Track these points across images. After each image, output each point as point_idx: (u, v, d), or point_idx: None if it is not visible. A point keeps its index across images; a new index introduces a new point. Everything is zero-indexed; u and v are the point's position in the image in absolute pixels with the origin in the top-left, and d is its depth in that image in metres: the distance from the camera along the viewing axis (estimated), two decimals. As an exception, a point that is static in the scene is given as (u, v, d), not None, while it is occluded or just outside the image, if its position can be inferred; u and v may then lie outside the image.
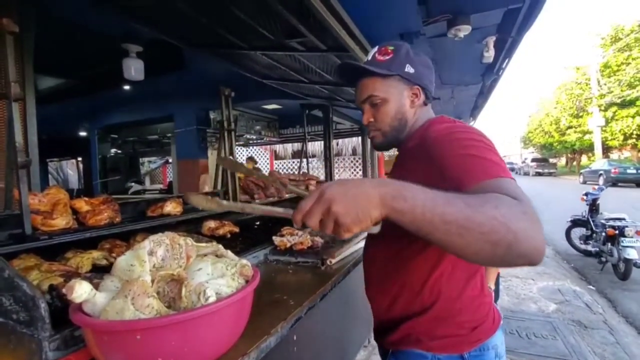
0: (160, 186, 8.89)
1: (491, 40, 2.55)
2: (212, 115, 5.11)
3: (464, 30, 2.14)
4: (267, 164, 12.34)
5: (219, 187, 2.31)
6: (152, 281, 0.73)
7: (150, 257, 0.75)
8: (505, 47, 2.81)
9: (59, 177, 7.74)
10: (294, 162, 11.98)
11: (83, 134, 6.00)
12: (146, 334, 0.62)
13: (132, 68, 2.74)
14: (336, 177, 5.05)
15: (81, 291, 0.63)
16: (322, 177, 4.33)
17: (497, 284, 1.87)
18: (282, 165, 12.20)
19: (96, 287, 0.72)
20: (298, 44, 1.99)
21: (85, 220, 1.29)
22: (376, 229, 0.60)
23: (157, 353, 0.64)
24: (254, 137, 6.83)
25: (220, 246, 0.93)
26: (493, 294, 1.83)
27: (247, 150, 11.09)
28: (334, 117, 5.00)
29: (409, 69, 0.92)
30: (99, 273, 1.13)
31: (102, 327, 0.63)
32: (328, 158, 4.90)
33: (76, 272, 1.11)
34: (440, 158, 0.75)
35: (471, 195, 0.60)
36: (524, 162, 31.36)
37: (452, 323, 0.86)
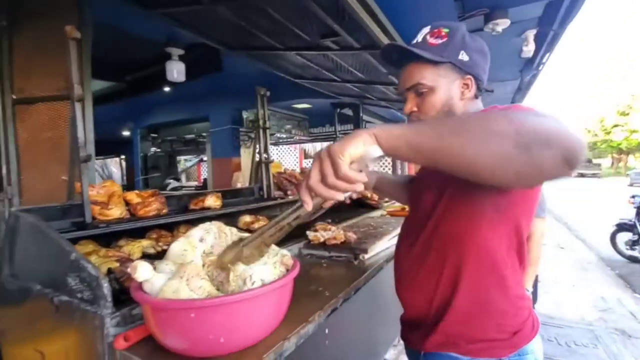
0: (195, 183, 9.26)
1: (531, 34, 2.45)
2: (244, 114, 5.27)
3: (502, 25, 2.08)
4: (297, 162, 12.48)
5: (252, 183, 2.39)
6: (203, 265, 0.78)
7: (200, 243, 0.81)
8: (546, 41, 2.68)
9: (104, 174, 8.28)
10: (322, 161, 12.01)
11: (126, 133, 6.38)
12: (200, 313, 0.67)
13: (175, 70, 2.89)
14: (365, 176, 5.06)
15: (143, 271, 0.69)
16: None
17: (534, 287, 1.81)
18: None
19: (151, 270, 0.79)
20: (332, 43, 2.02)
21: (135, 212, 1.39)
22: (376, 151, 0.54)
23: (209, 330, 0.69)
24: (284, 136, 6.95)
25: (261, 237, 0.98)
26: (531, 297, 1.77)
27: (277, 149, 11.28)
28: (364, 115, 5.00)
29: (463, 56, 0.82)
30: (148, 260, 1.22)
31: (161, 304, 0.69)
32: (358, 157, 4.89)
33: (129, 258, 1.21)
34: None
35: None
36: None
37: (491, 326, 0.81)
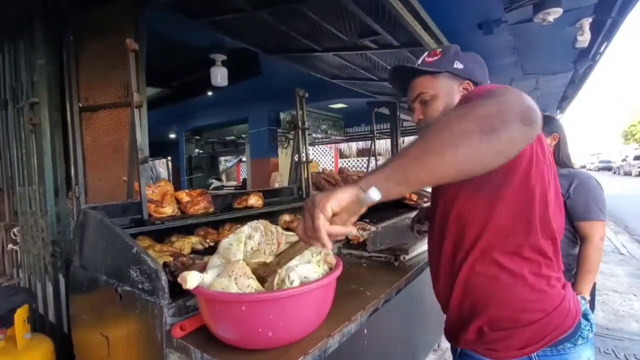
0: (235, 183, 9.60)
1: (586, 23, 2.27)
2: (282, 115, 5.39)
3: (553, 14, 1.94)
4: (332, 162, 12.52)
5: (291, 183, 2.44)
6: (247, 262, 0.82)
7: (248, 240, 0.85)
8: (604, 30, 2.47)
9: (152, 175, 8.84)
10: (358, 161, 11.98)
11: (172, 136, 6.77)
12: (250, 306, 0.71)
13: (218, 75, 3.03)
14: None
15: (193, 279, 0.74)
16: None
17: (592, 295, 1.68)
18: (347, 164, 12.27)
19: (201, 268, 0.84)
20: (371, 42, 2.01)
21: (185, 210, 1.48)
22: (374, 195, 0.55)
23: (258, 324, 0.72)
24: (320, 136, 7.01)
25: (304, 235, 1.01)
26: (588, 305, 1.65)
27: (313, 149, 11.40)
28: (401, 113, 4.90)
29: (457, 65, 0.94)
30: (197, 255, 1.30)
31: (215, 296, 0.74)
32: (395, 156, 4.82)
33: (181, 253, 1.29)
34: None
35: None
36: (624, 160, 27.04)
37: (522, 326, 0.77)
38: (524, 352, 0.77)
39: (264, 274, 0.83)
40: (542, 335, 0.76)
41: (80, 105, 1.80)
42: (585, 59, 3.17)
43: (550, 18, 1.99)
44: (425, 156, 0.55)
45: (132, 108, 1.27)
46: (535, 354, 0.77)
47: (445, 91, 0.94)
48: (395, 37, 1.89)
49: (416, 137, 0.60)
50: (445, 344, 2.72)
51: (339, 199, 0.57)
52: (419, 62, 1.00)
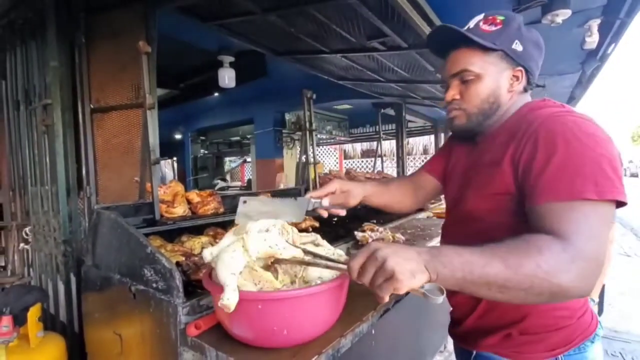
0: (239, 183, 9.64)
1: (595, 24, 2.25)
2: (287, 116, 5.41)
3: (562, 15, 1.93)
4: (337, 163, 12.52)
5: (297, 184, 2.45)
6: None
7: (266, 233, 0.85)
8: (612, 31, 2.46)
9: (160, 175, 8.88)
10: (363, 162, 11.98)
11: (178, 137, 6.81)
12: (266, 305, 0.72)
13: (226, 77, 3.06)
14: (408, 176, 5.00)
15: (232, 298, 0.70)
16: (395, 176, 4.28)
17: (600, 297, 1.68)
18: (351, 165, 12.28)
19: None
20: (379, 44, 2.02)
21: (196, 210, 1.49)
22: (439, 299, 0.56)
23: (274, 322, 0.74)
24: (325, 136, 7.02)
25: (318, 236, 1.02)
26: (597, 307, 1.64)
27: (317, 150, 11.39)
28: (406, 114, 4.90)
29: (517, 45, 0.77)
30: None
31: (231, 296, 0.75)
32: (400, 157, 4.82)
33: (192, 253, 1.31)
34: (530, 156, 0.68)
35: (512, 247, 0.59)
36: (631, 161, 26.82)
37: (553, 331, 0.78)
38: (552, 354, 0.77)
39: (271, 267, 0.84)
40: (571, 339, 0.78)
41: (92, 106, 1.82)
42: (593, 60, 3.15)
43: (559, 19, 1.98)
44: (493, 292, 0.58)
45: (144, 110, 1.29)
46: (562, 355, 0.77)
47: (494, 74, 0.79)
48: (404, 39, 1.90)
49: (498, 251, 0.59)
50: (452, 346, 2.71)
51: (416, 283, 0.56)
52: (471, 26, 0.81)
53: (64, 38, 1.73)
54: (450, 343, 2.75)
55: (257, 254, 0.79)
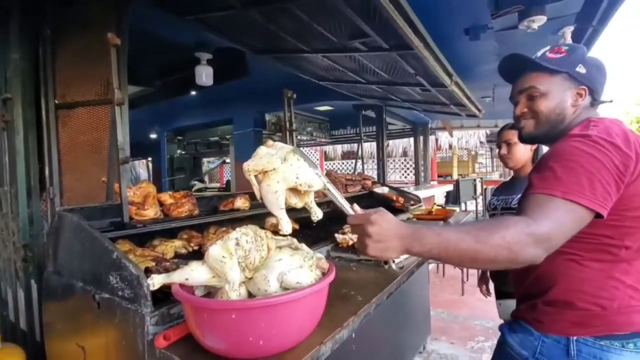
0: (218, 185, 9.44)
1: (568, 31, 2.34)
2: (267, 117, 5.34)
3: (538, 22, 1.99)
4: (317, 164, 12.50)
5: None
6: (242, 269, 0.79)
7: (237, 247, 0.81)
8: (584, 38, 2.56)
9: (131, 176, 8.59)
10: (343, 163, 12.02)
11: (153, 136, 6.59)
12: (240, 314, 0.67)
13: (203, 74, 2.96)
14: (388, 178, 4.99)
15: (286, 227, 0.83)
16: (375, 178, 4.29)
17: None
18: (332, 166, 12.30)
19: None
20: (361, 44, 2.00)
21: (169, 212, 1.42)
22: (396, 268, 0.79)
23: (249, 332, 0.69)
24: (306, 138, 6.99)
25: (295, 240, 0.98)
26: None
27: (298, 152, 11.32)
28: (387, 117, 4.94)
29: (580, 68, 0.90)
30: (181, 259, 1.24)
31: (202, 304, 0.70)
32: (381, 159, 4.85)
33: (163, 257, 1.24)
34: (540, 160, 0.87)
35: (486, 224, 0.75)
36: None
37: (572, 310, 0.85)
38: (567, 332, 0.85)
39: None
40: (590, 325, 0.83)
41: (57, 102, 1.71)
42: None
43: (535, 25, 2.04)
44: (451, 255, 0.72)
45: (113, 105, 1.21)
46: (575, 337, 0.83)
47: (559, 92, 0.91)
48: (385, 40, 1.89)
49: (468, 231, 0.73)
50: (431, 347, 2.73)
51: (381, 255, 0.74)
52: (539, 54, 0.95)
53: (28, 29, 1.63)
54: (429, 344, 2.78)
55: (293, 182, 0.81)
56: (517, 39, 2.52)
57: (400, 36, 1.66)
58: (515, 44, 2.68)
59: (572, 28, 2.32)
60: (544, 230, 0.70)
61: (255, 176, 0.83)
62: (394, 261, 1.49)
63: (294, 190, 0.84)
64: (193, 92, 4.32)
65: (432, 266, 4.36)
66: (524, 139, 1.02)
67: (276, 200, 0.81)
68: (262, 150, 0.85)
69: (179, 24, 2.03)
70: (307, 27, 1.81)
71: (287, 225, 0.84)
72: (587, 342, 0.82)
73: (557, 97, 0.91)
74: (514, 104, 0.99)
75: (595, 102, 0.94)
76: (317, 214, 0.90)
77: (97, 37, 1.62)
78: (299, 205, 0.87)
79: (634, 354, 0.81)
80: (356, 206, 0.81)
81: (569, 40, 2.39)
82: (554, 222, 0.71)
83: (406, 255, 1.55)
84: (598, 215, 0.74)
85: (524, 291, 0.97)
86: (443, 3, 1.87)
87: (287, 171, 0.81)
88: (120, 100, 1.22)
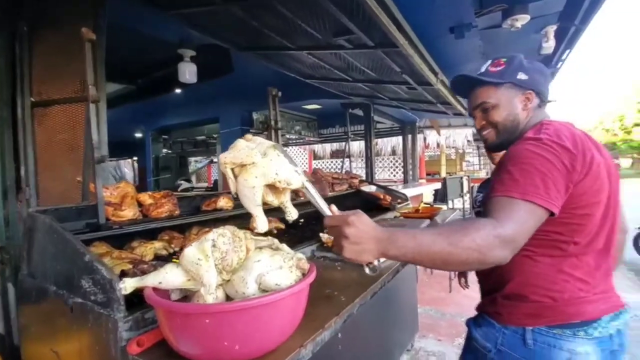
0: (206, 184, 9.33)
1: (551, 30, 2.37)
2: (254, 115, 5.28)
3: (521, 20, 2.01)
4: (306, 163, 12.48)
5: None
6: (219, 272, 0.76)
7: (213, 249, 0.79)
8: (567, 37, 2.60)
9: (117, 175, 8.41)
10: (332, 162, 12.01)
11: (138, 135, 6.46)
12: (215, 318, 0.65)
13: (187, 72, 2.91)
14: (376, 176, 5.00)
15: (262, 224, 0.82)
16: (363, 177, 4.30)
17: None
18: (321, 165, 12.28)
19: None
20: (345, 42, 1.99)
21: (148, 213, 1.38)
22: (370, 272, 0.79)
23: (224, 337, 0.67)
24: (294, 137, 6.95)
25: (276, 240, 0.96)
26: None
27: (287, 150, 11.28)
28: (375, 115, 4.95)
29: (521, 75, 0.98)
30: (160, 262, 1.21)
31: (175, 309, 0.68)
32: (369, 157, 4.85)
33: (142, 260, 1.20)
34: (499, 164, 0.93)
35: (457, 226, 0.77)
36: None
37: (526, 302, 0.92)
38: (523, 323, 0.91)
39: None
40: (543, 316, 0.90)
41: (33, 100, 1.65)
42: (549, 65, 3.32)
43: (518, 24, 2.06)
44: (423, 257, 0.74)
45: (87, 103, 1.17)
46: (531, 327, 0.90)
47: (507, 101, 0.99)
48: (370, 37, 1.88)
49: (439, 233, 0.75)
50: (418, 344, 2.74)
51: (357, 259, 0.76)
52: (482, 70, 1.04)
53: (4, 25, 1.56)
54: (416, 341, 2.79)
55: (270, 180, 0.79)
56: (501, 38, 2.54)
57: (385, 33, 1.65)
58: (500, 43, 2.70)
59: (554, 27, 2.35)
60: (509, 232, 0.73)
61: (232, 170, 0.80)
62: (368, 265, 1.48)
63: (272, 188, 0.82)
64: (178, 90, 4.25)
65: (420, 264, 4.38)
66: (490, 148, 1.10)
67: (253, 196, 0.78)
68: (240, 143, 0.83)
69: (160, 20, 1.99)
70: (290, 24, 1.79)
71: (262, 223, 0.81)
72: (542, 332, 0.89)
73: (507, 105, 0.99)
74: (473, 118, 1.08)
75: (542, 102, 1.02)
76: (292, 214, 0.89)
77: (74, 33, 1.56)
78: (275, 203, 0.85)
79: (585, 340, 0.87)
80: (334, 207, 0.81)
81: (552, 40, 2.42)
82: (517, 223, 0.75)
83: (383, 259, 1.56)
84: (551, 214, 0.79)
85: (486, 286, 1.04)
86: (427, 1, 1.86)
87: (267, 166, 0.78)
88: (95, 97, 1.18)
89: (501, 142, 1.03)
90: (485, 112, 1.02)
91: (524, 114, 1.00)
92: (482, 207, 0.87)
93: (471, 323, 1.08)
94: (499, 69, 1.00)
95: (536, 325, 0.90)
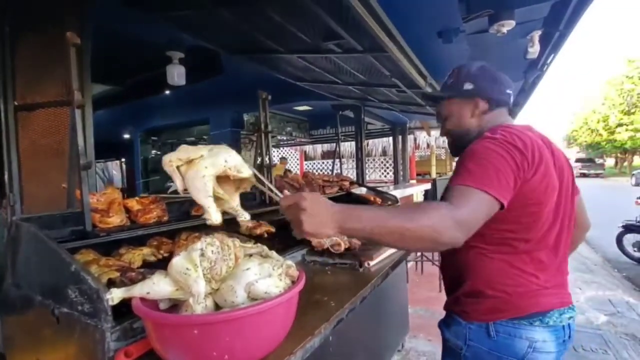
0: (197, 186, 9.20)
1: (536, 35, 2.42)
2: (245, 117, 5.25)
3: (507, 26, 2.05)
4: (297, 164, 12.47)
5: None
6: (208, 281, 0.76)
7: (202, 258, 0.78)
8: (552, 42, 2.65)
9: (104, 177, 8.27)
10: (323, 163, 12.03)
11: (127, 136, 6.36)
12: (203, 329, 0.65)
13: (175, 74, 2.88)
14: (367, 177, 5.03)
15: (215, 216, 0.82)
16: (354, 178, 4.31)
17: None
18: (312, 166, 12.28)
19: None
20: (335, 46, 2.00)
21: (136, 219, 1.37)
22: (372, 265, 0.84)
23: (213, 347, 0.67)
24: (285, 138, 6.94)
25: (265, 247, 0.96)
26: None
27: (278, 151, 11.26)
28: (365, 117, 4.97)
29: (467, 86, 1.08)
30: (149, 269, 1.20)
31: (163, 319, 0.67)
32: (360, 159, 4.87)
33: (130, 267, 1.19)
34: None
35: (416, 207, 0.87)
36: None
37: (486, 298, 0.99)
38: (485, 318, 0.99)
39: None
40: (501, 310, 0.97)
41: (16, 103, 1.61)
42: (535, 69, 3.39)
43: (504, 29, 2.10)
44: (379, 235, 0.77)
45: (72, 109, 1.15)
46: (492, 322, 0.97)
47: (456, 111, 1.11)
48: (359, 42, 1.89)
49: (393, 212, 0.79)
50: (409, 345, 2.77)
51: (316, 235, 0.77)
52: (442, 85, 1.18)
53: (-15, 28, 1.52)
54: (407, 342, 2.81)
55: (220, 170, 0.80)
56: (488, 43, 2.58)
57: (373, 38, 1.66)
58: (486, 47, 2.75)
59: (540, 32, 2.40)
60: (464, 215, 0.79)
61: (178, 168, 0.81)
62: (369, 264, 1.50)
63: (222, 181, 0.84)
64: (167, 92, 4.20)
65: (410, 264, 4.43)
66: (452, 153, 1.21)
67: (204, 186, 0.79)
68: (185, 146, 0.85)
69: (149, 22, 1.97)
70: (280, 28, 1.79)
71: (215, 214, 0.82)
72: (502, 323, 0.97)
73: (456, 115, 1.11)
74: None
75: (494, 105, 1.08)
76: (244, 216, 0.92)
77: (59, 36, 1.53)
78: (226, 197, 0.86)
79: (541, 328, 0.96)
80: (286, 192, 0.84)
81: (537, 45, 2.47)
82: (471, 208, 0.81)
83: (379, 259, 1.58)
84: (501, 207, 0.85)
85: (449, 285, 1.13)
86: (415, 6, 1.89)
87: (216, 156, 0.81)
88: (80, 102, 1.16)
89: (457, 147, 1.14)
90: (444, 122, 1.15)
91: (473, 121, 1.09)
92: (443, 195, 0.93)
93: (442, 325, 1.14)
94: (451, 81, 1.12)
95: (497, 320, 0.97)
